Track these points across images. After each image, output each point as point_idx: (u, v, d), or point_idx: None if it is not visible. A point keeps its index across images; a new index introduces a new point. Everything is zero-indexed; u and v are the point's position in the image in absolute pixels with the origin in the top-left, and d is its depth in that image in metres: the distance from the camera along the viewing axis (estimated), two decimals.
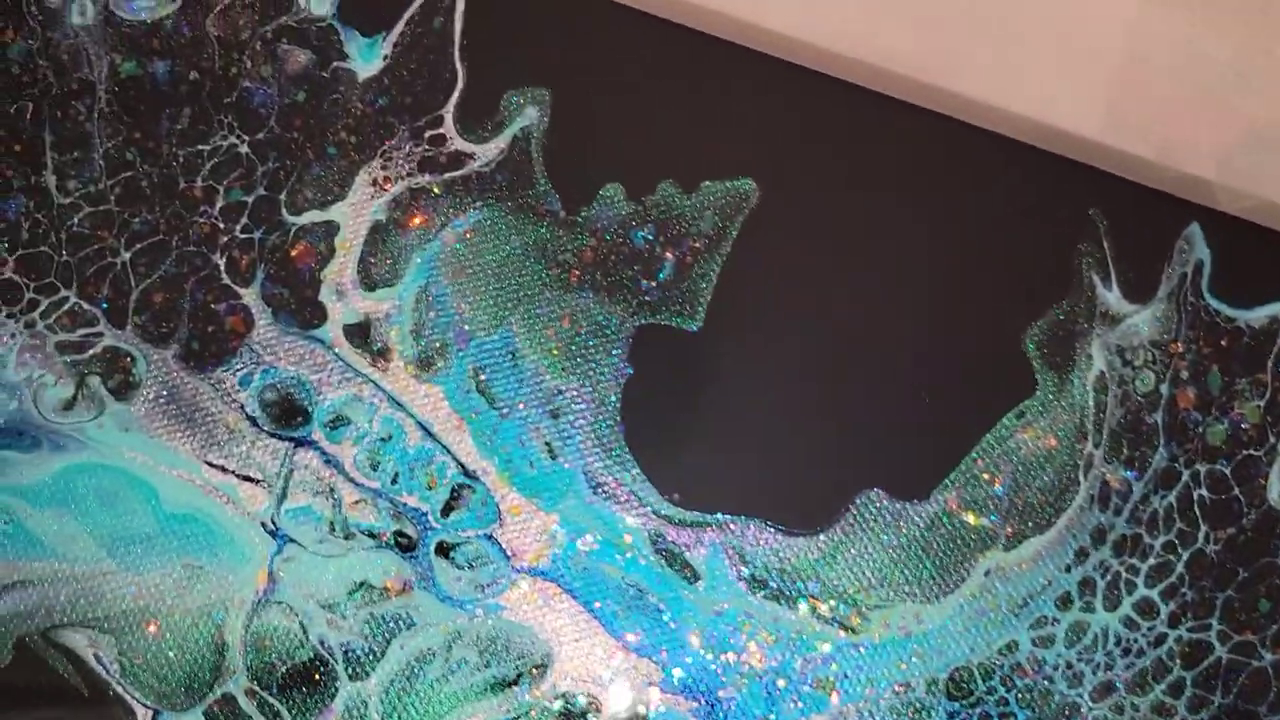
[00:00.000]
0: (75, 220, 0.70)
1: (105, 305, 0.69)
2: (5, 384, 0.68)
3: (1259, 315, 0.68)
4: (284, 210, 0.70)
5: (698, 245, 0.69)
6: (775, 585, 0.66)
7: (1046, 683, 0.66)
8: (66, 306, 0.69)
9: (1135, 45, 0.72)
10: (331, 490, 0.66)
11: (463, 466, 0.66)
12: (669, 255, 0.69)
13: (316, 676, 0.64)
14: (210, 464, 0.67)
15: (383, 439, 0.67)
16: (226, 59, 0.72)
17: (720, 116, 0.71)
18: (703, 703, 0.64)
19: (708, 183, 0.70)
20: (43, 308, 0.69)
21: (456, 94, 0.71)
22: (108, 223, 0.70)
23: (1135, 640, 0.67)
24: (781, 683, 0.64)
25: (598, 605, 0.65)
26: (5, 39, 0.71)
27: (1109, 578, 0.67)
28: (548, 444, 0.67)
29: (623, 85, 0.72)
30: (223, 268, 0.70)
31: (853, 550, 0.67)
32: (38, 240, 0.70)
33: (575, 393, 0.67)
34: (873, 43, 0.71)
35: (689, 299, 0.69)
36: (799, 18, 0.72)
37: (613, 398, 0.67)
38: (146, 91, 0.71)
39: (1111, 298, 0.69)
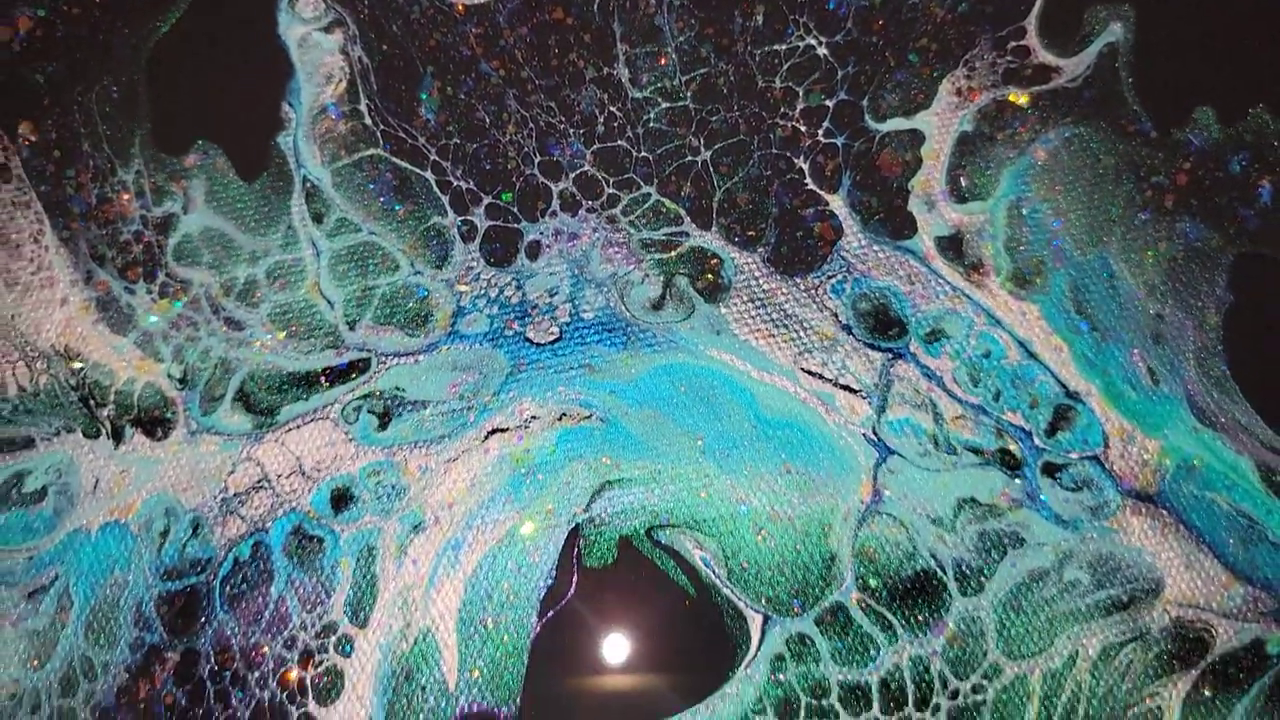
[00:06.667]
0: (651, 115, 0.68)
1: (688, 204, 0.67)
2: (592, 279, 0.66)
3: None
4: (867, 116, 0.68)
5: None
6: None
7: None
8: (648, 204, 0.67)
9: None
10: (932, 404, 0.65)
11: (1065, 387, 0.65)
12: (1265, 182, 0.67)
13: (928, 590, 0.63)
14: (807, 371, 0.65)
15: (982, 355, 0.65)
16: None
17: None
18: None
19: None
20: (624, 203, 0.67)
21: (1038, 5, 0.69)
22: (685, 120, 0.68)
23: None
24: None
25: (1208, 534, 0.64)
26: None
27: None
28: (1150, 369, 0.65)
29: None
30: (807, 172, 0.68)
31: None
32: (614, 134, 0.68)
33: (1177, 318, 0.66)
34: None
35: None
36: None
37: (1216, 325, 0.66)
38: None
39: None
